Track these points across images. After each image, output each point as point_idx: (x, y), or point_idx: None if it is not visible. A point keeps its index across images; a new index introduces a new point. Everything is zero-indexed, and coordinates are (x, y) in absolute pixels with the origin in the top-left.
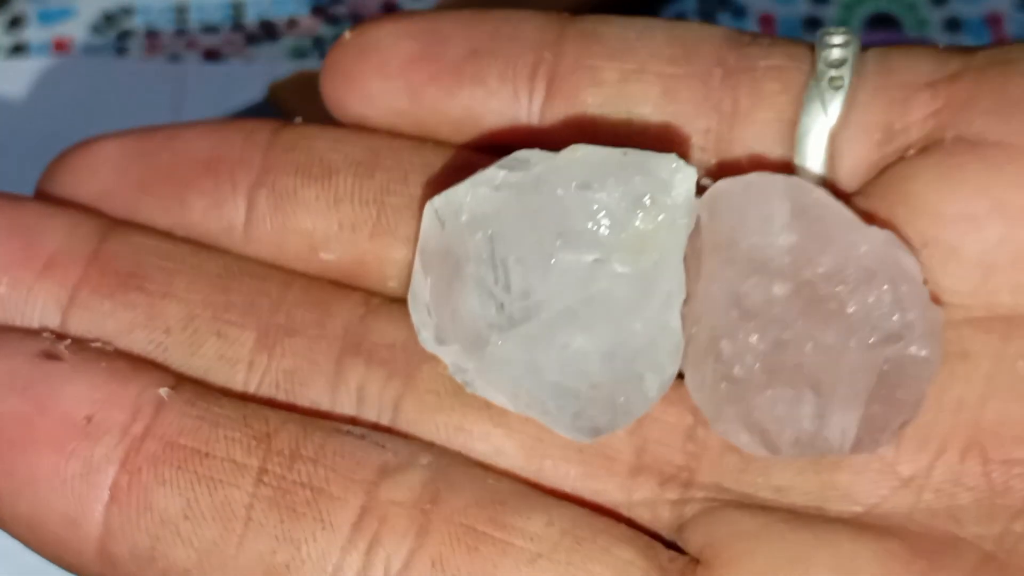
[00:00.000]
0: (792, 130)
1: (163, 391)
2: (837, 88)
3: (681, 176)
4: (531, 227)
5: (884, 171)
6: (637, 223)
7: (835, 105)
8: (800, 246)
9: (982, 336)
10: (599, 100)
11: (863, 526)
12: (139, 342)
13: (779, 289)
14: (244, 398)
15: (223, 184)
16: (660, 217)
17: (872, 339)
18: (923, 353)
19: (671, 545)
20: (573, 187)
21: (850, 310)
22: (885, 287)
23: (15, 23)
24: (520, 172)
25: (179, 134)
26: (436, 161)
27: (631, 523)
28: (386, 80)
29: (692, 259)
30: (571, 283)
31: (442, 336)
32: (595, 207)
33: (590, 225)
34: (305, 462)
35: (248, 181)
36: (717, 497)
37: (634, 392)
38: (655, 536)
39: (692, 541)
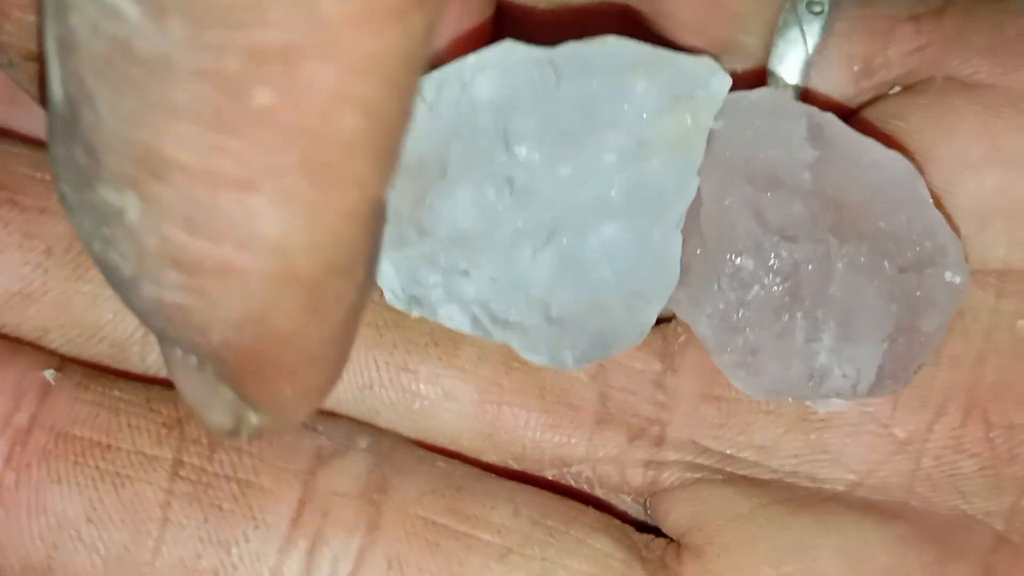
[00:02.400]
0: (763, 56)
1: (48, 373)
2: (816, 13)
3: (717, 79)
4: (556, 110)
5: (865, 107)
6: (676, 116)
7: (814, 31)
8: (823, 162)
9: (976, 292)
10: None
11: (867, 506)
12: (13, 264)
13: (801, 206)
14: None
15: None
16: (700, 114)
17: (905, 261)
18: (957, 280)
19: (642, 525)
20: (602, 74)
21: (881, 228)
22: (915, 210)
23: None
24: (535, 56)
25: None
26: None
27: (599, 503)
28: None
29: None
30: (607, 167)
31: (406, 237)
32: (637, 91)
33: (627, 108)
34: (227, 451)
35: None
36: (695, 461)
37: (634, 317)
38: (625, 518)
39: (671, 518)
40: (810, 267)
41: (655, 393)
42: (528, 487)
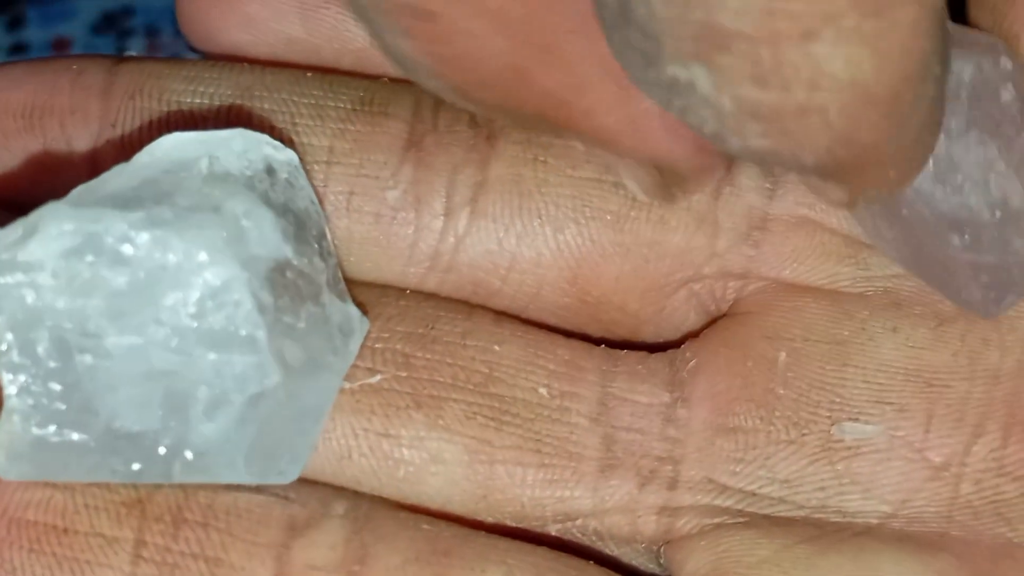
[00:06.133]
0: None
1: None
2: None
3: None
4: None
5: None
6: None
7: None
8: None
9: None
10: None
11: (903, 539)
12: None
13: None
14: None
15: (53, 142)
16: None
17: None
18: None
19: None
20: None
21: None
22: None
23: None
24: None
25: None
26: (329, 98)
27: (606, 557)
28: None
29: None
30: None
31: None
32: None
33: None
34: (192, 527)
35: (86, 138)
36: (713, 503)
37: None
38: (636, 573)
39: (688, 568)
40: None
41: (665, 428)
42: (524, 546)
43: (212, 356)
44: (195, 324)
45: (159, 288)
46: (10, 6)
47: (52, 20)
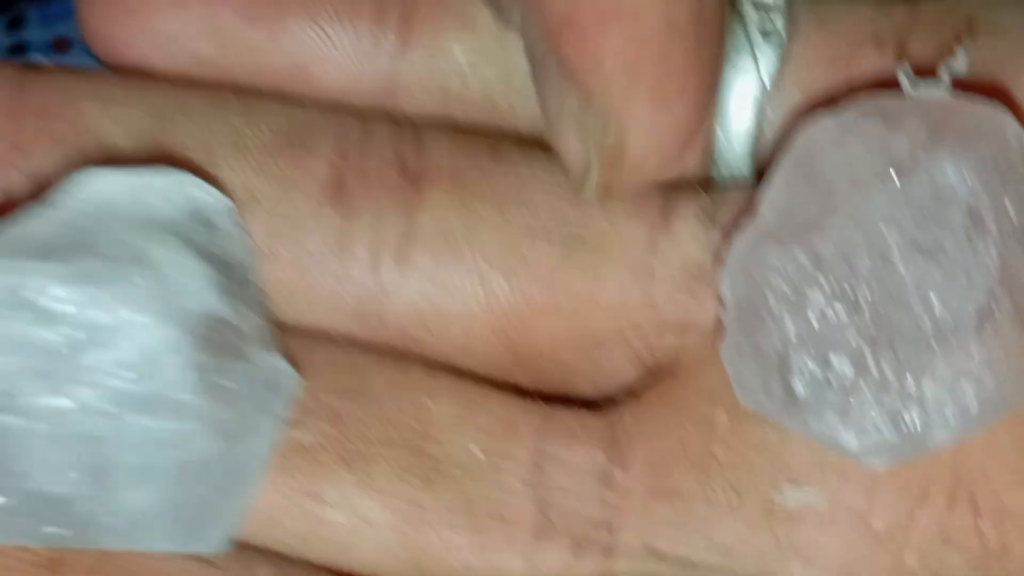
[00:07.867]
0: None
1: None
2: (769, 34)
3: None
4: None
5: None
6: None
7: (769, 60)
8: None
9: None
10: (472, 45)
11: None
12: None
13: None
14: None
15: None
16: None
17: None
18: None
19: None
20: None
21: None
22: None
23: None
24: None
25: None
26: (248, 127)
27: None
28: (182, 13)
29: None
30: None
31: None
32: None
33: None
34: None
35: None
36: (648, 568)
37: None
38: None
39: None
40: None
41: (602, 491)
42: None
43: (141, 421)
44: (125, 387)
45: (88, 347)
46: (10, 6)
47: (52, 20)
